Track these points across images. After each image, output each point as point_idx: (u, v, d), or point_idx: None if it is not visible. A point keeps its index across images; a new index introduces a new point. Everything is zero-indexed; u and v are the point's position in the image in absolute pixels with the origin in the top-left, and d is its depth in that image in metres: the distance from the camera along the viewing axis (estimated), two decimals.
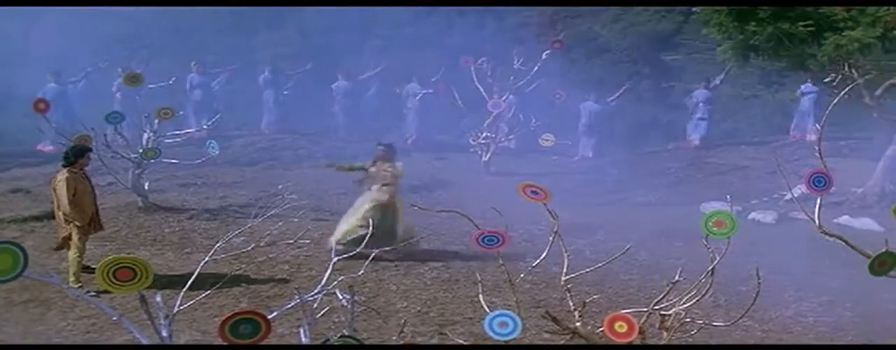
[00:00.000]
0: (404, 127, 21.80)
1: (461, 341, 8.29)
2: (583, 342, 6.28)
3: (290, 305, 5.95)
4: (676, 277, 6.32)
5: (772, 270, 11.23)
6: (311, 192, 15.54)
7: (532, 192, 6.46)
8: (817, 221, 6.27)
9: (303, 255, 11.69)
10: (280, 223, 11.80)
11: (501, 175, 17.79)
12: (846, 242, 6.21)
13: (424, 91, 21.20)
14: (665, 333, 6.36)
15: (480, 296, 6.49)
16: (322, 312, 6.10)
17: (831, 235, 6.32)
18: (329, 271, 6.35)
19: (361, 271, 7.75)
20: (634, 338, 5.46)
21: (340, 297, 6.10)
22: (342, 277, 6.76)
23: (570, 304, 6.42)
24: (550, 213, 6.52)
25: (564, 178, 18.20)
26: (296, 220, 12.94)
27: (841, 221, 13.93)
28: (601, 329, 5.53)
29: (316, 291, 6.09)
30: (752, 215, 14.34)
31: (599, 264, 7.05)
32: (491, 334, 5.30)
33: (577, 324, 6.29)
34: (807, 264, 11.63)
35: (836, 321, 9.80)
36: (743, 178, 17.68)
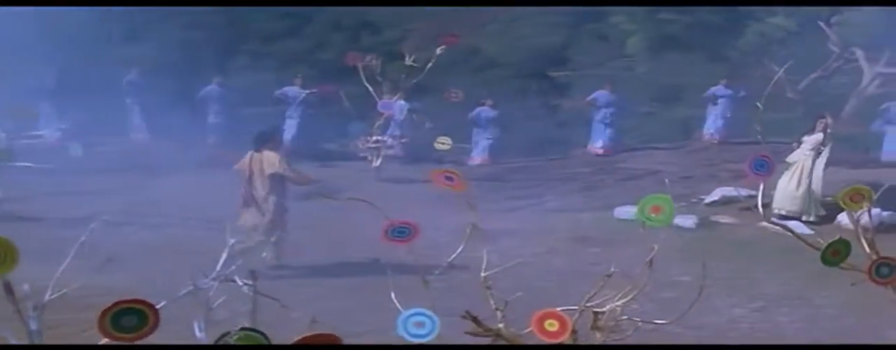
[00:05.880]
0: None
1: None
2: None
3: (182, 293, 5.61)
4: (611, 270, 6.17)
5: (698, 276, 11.22)
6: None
7: (446, 178, 6.36)
8: (761, 210, 6.26)
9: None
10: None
11: (393, 181, 17.62)
12: (792, 232, 6.27)
13: (307, 92, 20.79)
14: (598, 334, 6.20)
15: (392, 293, 6.24)
16: (218, 302, 5.79)
17: (778, 225, 6.35)
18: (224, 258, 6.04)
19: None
20: (566, 337, 5.28)
21: (240, 283, 5.78)
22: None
23: (492, 303, 6.21)
24: (469, 204, 6.37)
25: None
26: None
27: (766, 225, 14.05)
28: (528, 329, 5.36)
29: (212, 276, 5.74)
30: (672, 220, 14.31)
31: (514, 262, 6.97)
32: (406, 337, 5.04)
33: (501, 325, 6.09)
34: (735, 269, 11.69)
35: (774, 327, 9.82)
36: (657, 183, 17.64)
